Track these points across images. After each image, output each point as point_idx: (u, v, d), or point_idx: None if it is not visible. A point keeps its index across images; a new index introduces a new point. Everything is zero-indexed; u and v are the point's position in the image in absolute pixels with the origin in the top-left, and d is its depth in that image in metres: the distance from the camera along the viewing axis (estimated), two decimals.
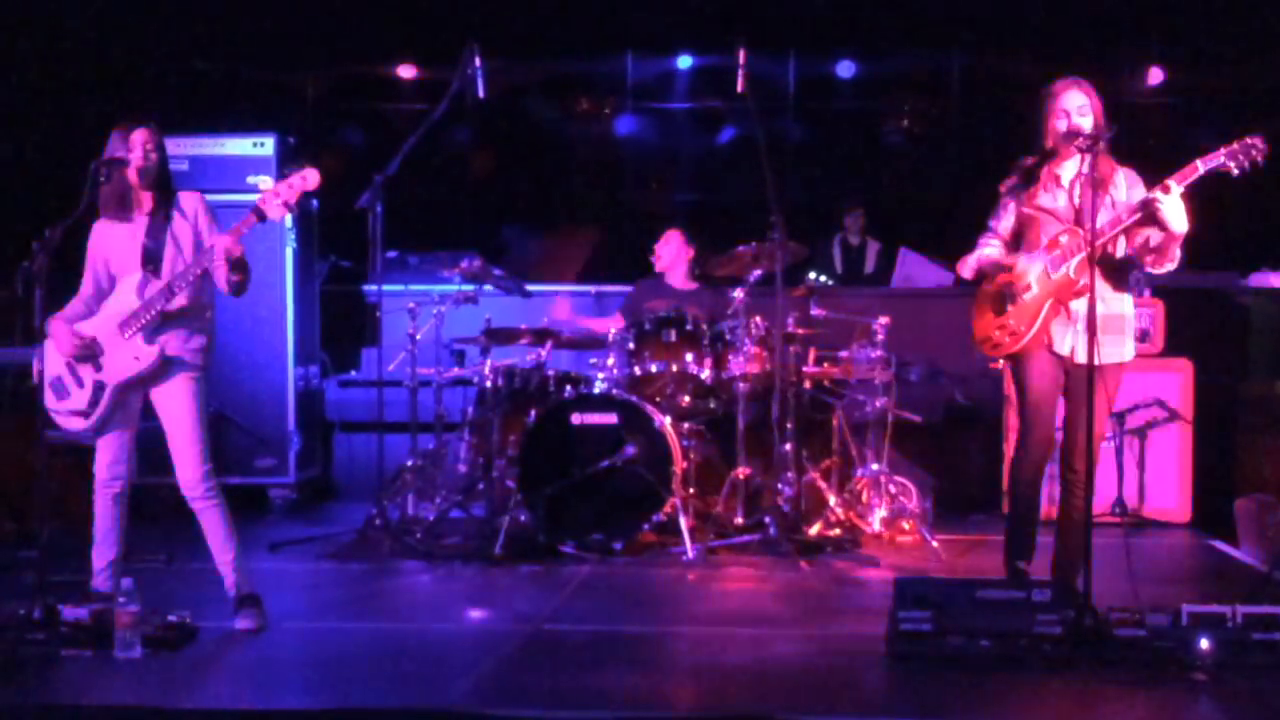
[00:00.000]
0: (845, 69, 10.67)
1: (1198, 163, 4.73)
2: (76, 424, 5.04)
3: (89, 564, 5.10)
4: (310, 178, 4.91)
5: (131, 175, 4.95)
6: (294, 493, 7.92)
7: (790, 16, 10.27)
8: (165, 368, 4.97)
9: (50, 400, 5.01)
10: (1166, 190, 4.74)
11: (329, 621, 5.37)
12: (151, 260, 4.96)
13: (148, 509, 6.57)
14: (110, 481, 5.06)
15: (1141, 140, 9.79)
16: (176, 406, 4.99)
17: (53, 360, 5.01)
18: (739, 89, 6.51)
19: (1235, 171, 4.69)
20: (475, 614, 5.60)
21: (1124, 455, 7.17)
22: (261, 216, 4.91)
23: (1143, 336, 7.30)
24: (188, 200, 5.08)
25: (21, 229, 5.07)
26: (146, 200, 5.03)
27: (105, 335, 4.97)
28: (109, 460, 5.06)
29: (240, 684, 4.57)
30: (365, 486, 7.83)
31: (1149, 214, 4.79)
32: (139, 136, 4.97)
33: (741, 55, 6.50)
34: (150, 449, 5.44)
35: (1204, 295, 7.98)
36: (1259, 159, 4.66)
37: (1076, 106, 4.98)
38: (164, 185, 5.05)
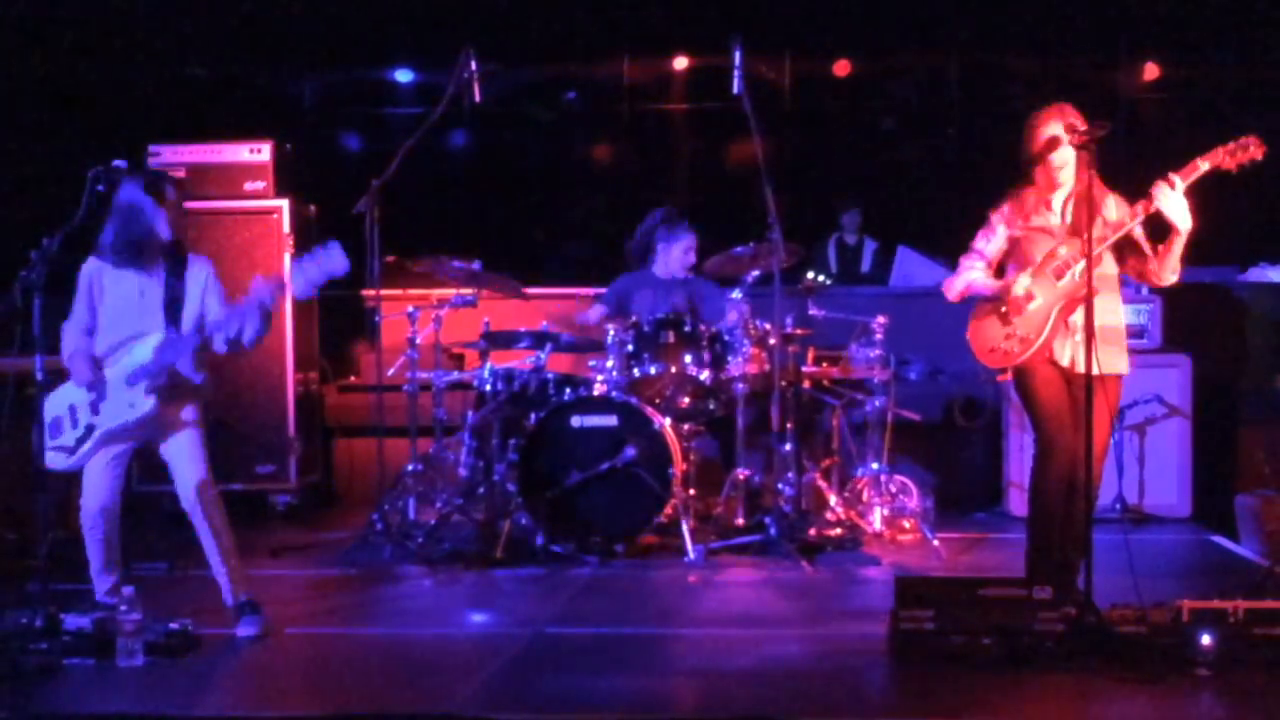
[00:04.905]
0: (842, 67, 10.68)
1: (1198, 161, 4.81)
2: (59, 460, 5.00)
3: (89, 573, 5.09)
4: (340, 267, 4.80)
5: (162, 227, 4.93)
6: (295, 498, 7.92)
7: (786, 17, 10.27)
8: (163, 424, 4.96)
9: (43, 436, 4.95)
10: (1171, 184, 4.81)
11: (331, 627, 5.37)
12: (172, 316, 4.92)
13: (148, 517, 6.56)
14: (96, 523, 5.00)
15: (1138, 136, 9.79)
16: (178, 444, 5.00)
17: (58, 401, 4.99)
18: (735, 90, 6.51)
19: (1234, 169, 4.77)
20: (477, 618, 5.60)
21: (1124, 451, 7.17)
22: (282, 290, 4.89)
23: (1140, 333, 7.32)
24: (199, 264, 5.04)
25: (19, 237, 5.05)
26: (158, 253, 4.99)
27: (112, 379, 4.93)
28: (94, 492, 5.00)
29: (243, 691, 4.57)
30: (365, 491, 7.86)
31: (1154, 214, 4.84)
32: (173, 191, 4.96)
33: (737, 56, 6.50)
34: (150, 457, 5.43)
35: (1201, 290, 7.97)
36: (1257, 156, 4.76)
37: (1067, 123, 5.02)
38: (179, 241, 5.04)
